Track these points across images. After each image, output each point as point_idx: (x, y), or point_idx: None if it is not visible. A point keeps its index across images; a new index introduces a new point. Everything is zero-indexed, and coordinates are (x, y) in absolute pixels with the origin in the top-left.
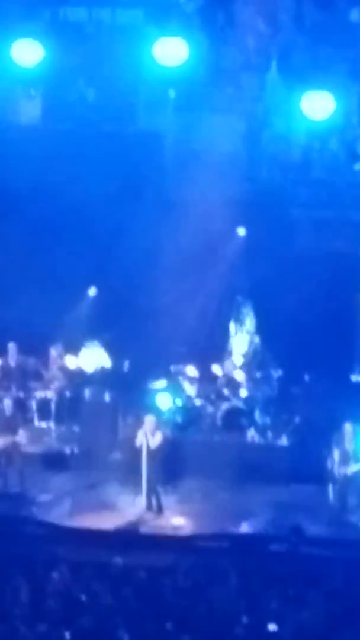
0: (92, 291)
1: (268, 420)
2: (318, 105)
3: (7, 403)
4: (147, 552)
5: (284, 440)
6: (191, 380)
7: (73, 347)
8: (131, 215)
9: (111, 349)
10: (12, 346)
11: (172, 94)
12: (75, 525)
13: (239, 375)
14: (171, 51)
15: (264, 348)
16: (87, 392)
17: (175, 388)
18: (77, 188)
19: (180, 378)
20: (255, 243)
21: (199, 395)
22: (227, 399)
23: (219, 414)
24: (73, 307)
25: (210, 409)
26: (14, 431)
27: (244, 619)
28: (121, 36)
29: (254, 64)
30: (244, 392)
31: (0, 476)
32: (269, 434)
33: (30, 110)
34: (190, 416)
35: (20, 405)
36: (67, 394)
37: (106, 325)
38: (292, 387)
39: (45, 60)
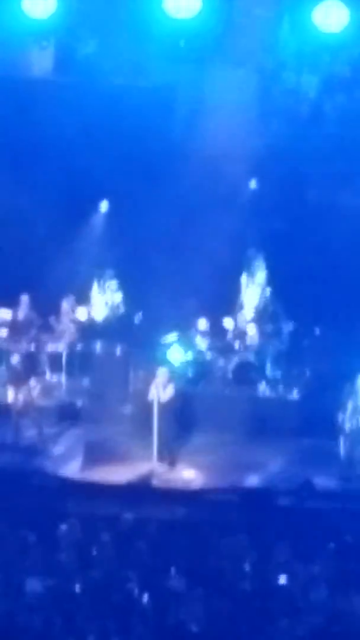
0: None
1: (279, 373)
2: (332, 16)
3: (16, 357)
4: (158, 505)
5: (294, 394)
6: (202, 333)
7: (85, 295)
8: (140, 168)
9: (123, 283)
10: (24, 299)
11: (182, 43)
12: (85, 478)
13: (250, 329)
14: (183, 3)
15: (275, 301)
16: (98, 345)
17: (186, 341)
18: (88, 140)
19: (192, 331)
20: (266, 196)
21: (210, 349)
22: (238, 352)
23: (230, 368)
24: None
25: (221, 362)
26: (25, 384)
27: (254, 572)
28: None
29: (266, 17)
30: (254, 346)
31: (12, 428)
32: (280, 387)
33: (41, 63)
34: (201, 370)
35: (32, 359)
36: (79, 347)
37: (117, 257)
38: (303, 341)
39: (57, 12)
